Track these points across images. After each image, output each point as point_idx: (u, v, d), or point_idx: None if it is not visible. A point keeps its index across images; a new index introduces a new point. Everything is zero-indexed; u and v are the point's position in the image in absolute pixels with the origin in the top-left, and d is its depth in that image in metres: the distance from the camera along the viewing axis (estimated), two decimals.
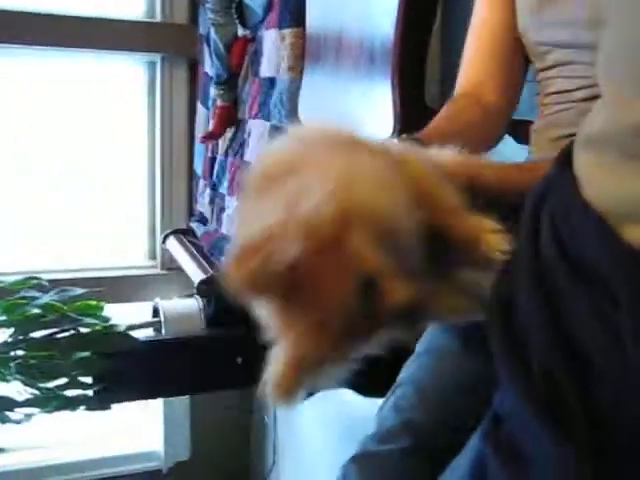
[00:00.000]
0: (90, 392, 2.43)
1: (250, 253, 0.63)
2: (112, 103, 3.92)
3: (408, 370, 1.18)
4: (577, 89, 1.11)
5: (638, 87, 0.55)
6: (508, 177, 0.94)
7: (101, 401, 2.48)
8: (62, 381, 2.37)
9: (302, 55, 2.47)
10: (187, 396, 3.71)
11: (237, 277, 0.64)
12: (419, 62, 1.95)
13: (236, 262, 0.64)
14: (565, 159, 0.64)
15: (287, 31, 2.54)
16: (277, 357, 0.69)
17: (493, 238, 0.73)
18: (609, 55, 0.61)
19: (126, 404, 2.91)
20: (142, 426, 4.09)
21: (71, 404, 2.38)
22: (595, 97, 0.89)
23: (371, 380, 1.59)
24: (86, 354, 2.40)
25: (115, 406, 2.62)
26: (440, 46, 2.27)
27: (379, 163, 0.73)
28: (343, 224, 0.65)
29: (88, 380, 2.44)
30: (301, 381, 0.68)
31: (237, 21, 3.01)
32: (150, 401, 3.60)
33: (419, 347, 1.20)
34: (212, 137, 3.32)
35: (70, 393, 2.38)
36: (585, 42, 1.06)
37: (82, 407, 2.40)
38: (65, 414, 2.44)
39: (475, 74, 1.23)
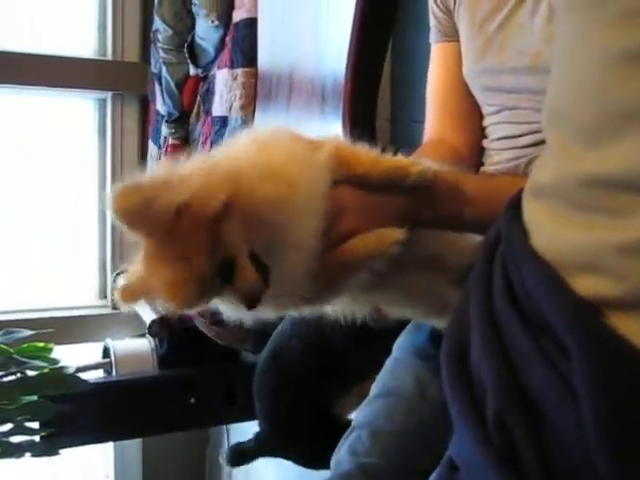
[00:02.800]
0: (37, 438, 2.36)
1: (138, 189, 0.70)
2: (63, 140, 3.88)
3: (362, 413, 1.18)
4: (522, 135, 1.12)
5: (583, 139, 0.56)
6: (488, 184, 0.97)
7: (49, 447, 2.40)
8: (7, 427, 2.29)
9: (254, 94, 2.49)
10: (139, 440, 3.62)
11: (116, 207, 0.70)
12: (370, 100, 1.97)
13: (122, 193, 0.70)
14: (515, 207, 0.65)
15: (239, 70, 2.56)
16: (135, 271, 0.78)
17: (415, 167, 0.84)
18: (554, 106, 0.62)
19: (76, 449, 2.82)
20: (92, 470, 3.97)
21: (16, 451, 2.30)
22: (540, 142, 0.92)
23: (313, 454, 1.60)
24: (33, 398, 2.33)
25: (64, 451, 2.54)
26: (390, 85, 2.31)
27: (295, 149, 0.83)
28: (226, 206, 0.72)
29: (35, 425, 2.36)
30: (144, 298, 0.78)
31: (189, 60, 3.02)
32: (101, 445, 3.51)
33: (373, 390, 1.20)
34: None
35: (15, 439, 2.30)
36: (527, 87, 1.08)
37: (28, 454, 2.32)
38: (10, 462, 2.35)
39: (438, 129, 1.25)
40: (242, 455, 1.79)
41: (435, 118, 1.26)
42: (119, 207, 0.70)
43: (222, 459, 1.82)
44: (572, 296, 0.54)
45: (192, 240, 0.72)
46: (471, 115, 1.24)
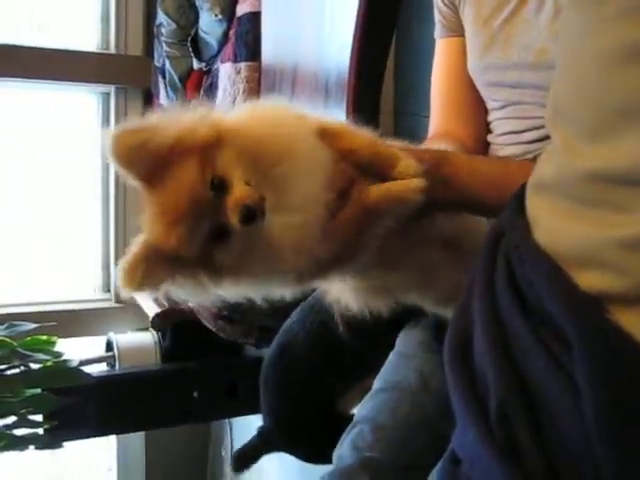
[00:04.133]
0: (40, 430, 2.37)
1: (134, 131, 0.75)
2: (66, 134, 3.88)
3: (365, 407, 1.18)
4: (526, 130, 1.13)
5: (586, 134, 0.56)
6: (484, 163, 0.98)
7: (52, 440, 2.41)
8: (10, 420, 2.30)
9: (258, 88, 2.48)
10: (142, 434, 3.63)
11: (115, 148, 0.74)
12: (374, 95, 1.97)
13: (119, 135, 0.74)
14: (519, 201, 0.65)
15: (242, 64, 2.56)
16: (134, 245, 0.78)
17: (405, 161, 0.83)
18: (557, 102, 0.62)
19: (78, 442, 2.83)
20: (95, 464, 3.99)
21: (20, 444, 2.31)
22: (544, 138, 0.91)
23: (316, 448, 1.60)
24: (36, 391, 2.34)
25: (67, 444, 2.55)
26: (394, 79, 2.31)
27: (292, 113, 0.84)
28: (217, 141, 0.76)
29: (38, 418, 2.37)
30: (147, 271, 0.75)
31: (192, 54, 3.01)
32: (103, 438, 3.52)
33: (376, 384, 1.20)
34: None
35: (19, 432, 2.31)
36: (532, 83, 1.08)
37: (31, 447, 2.32)
38: (13, 454, 2.36)
39: (443, 123, 1.25)
40: (247, 456, 1.80)
41: (440, 112, 1.26)
42: (117, 148, 0.73)
43: (224, 452, 1.83)
44: (574, 290, 0.54)
45: (186, 168, 0.75)
46: (476, 109, 1.25)
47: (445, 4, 1.24)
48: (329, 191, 0.80)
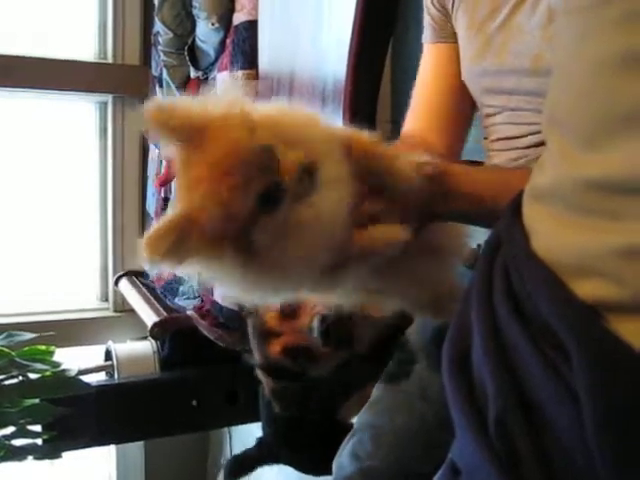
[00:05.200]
0: (39, 441, 2.36)
1: (168, 102, 0.74)
2: (63, 143, 3.88)
3: (365, 416, 1.18)
4: (523, 136, 1.12)
5: (583, 142, 0.56)
6: (483, 174, 0.98)
7: (51, 450, 2.41)
8: (9, 430, 2.29)
9: (254, 97, 2.49)
10: (141, 442, 3.62)
11: (154, 112, 0.72)
12: (370, 103, 1.98)
13: (155, 105, 0.73)
14: (515, 209, 0.65)
15: (239, 73, 2.56)
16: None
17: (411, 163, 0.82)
18: (553, 109, 0.62)
19: (77, 452, 2.83)
20: (94, 473, 3.97)
21: (19, 454, 2.30)
22: (541, 144, 0.91)
23: (316, 459, 1.60)
24: (35, 401, 2.33)
25: (66, 454, 2.54)
26: (390, 87, 2.31)
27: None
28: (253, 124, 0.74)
29: (37, 428, 2.37)
30: (175, 241, 0.69)
31: (189, 63, 3.02)
32: (102, 448, 3.51)
33: (375, 393, 1.20)
34: (168, 180, 3.31)
35: (18, 442, 2.31)
36: (528, 89, 1.08)
37: (30, 457, 2.32)
38: (12, 465, 2.36)
39: (419, 128, 1.24)
40: (244, 465, 1.79)
41: (419, 117, 1.25)
42: (155, 114, 0.72)
43: (222, 471, 1.82)
44: (572, 299, 0.54)
45: (232, 131, 0.72)
46: (456, 119, 1.24)
47: (437, 8, 1.24)
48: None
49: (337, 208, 0.77)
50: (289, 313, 1.27)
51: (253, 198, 0.71)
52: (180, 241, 0.69)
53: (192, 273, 0.77)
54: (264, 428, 1.68)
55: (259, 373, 1.32)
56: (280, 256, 0.75)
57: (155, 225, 0.70)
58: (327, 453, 1.22)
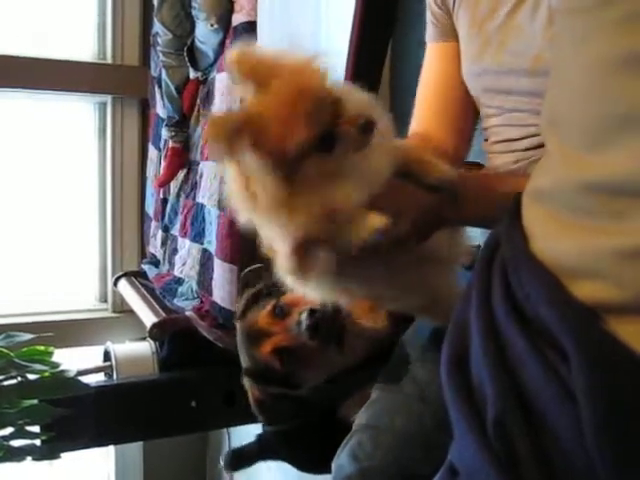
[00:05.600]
0: (38, 441, 2.36)
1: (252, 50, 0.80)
2: (62, 144, 3.88)
3: (364, 417, 1.18)
4: (522, 138, 1.12)
5: (582, 143, 0.56)
6: (493, 180, 0.99)
7: (49, 451, 2.40)
8: (8, 431, 2.29)
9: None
10: (140, 442, 3.62)
11: (235, 58, 0.78)
12: None
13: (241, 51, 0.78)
14: (515, 210, 0.65)
15: None
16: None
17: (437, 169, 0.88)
18: (553, 110, 0.62)
19: (76, 453, 2.82)
20: (93, 473, 3.97)
21: (17, 455, 2.30)
22: (539, 146, 0.91)
23: (315, 457, 1.60)
24: (33, 402, 2.33)
25: (65, 454, 2.54)
26: (389, 89, 2.31)
27: None
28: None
29: (35, 429, 2.36)
30: (235, 132, 0.75)
31: (189, 63, 3.02)
32: (101, 448, 3.51)
33: (374, 393, 1.20)
34: (166, 181, 3.30)
35: (16, 443, 2.30)
36: (527, 90, 1.08)
37: (29, 458, 2.31)
38: (11, 466, 2.35)
39: (426, 127, 1.24)
40: (242, 458, 1.79)
41: (424, 115, 1.25)
42: (237, 56, 0.78)
43: (221, 463, 1.81)
44: (571, 301, 0.54)
45: (305, 76, 0.79)
46: (460, 118, 1.24)
47: (439, 7, 1.23)
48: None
49: (383, 170, 0.84)
50: (280, 313, 1.28)
51: (313, 133, 0.76)
52: (239, 133, 0.75)
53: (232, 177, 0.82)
54: (265, 426, 1.68)
55: (245, 380, 1.32)
56: (315, 195, 0.80)
57: (228, 112, 0.77)
58: (327, 452, 1.22)
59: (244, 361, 1.34)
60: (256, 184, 0.79)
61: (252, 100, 0.79)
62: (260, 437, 1.71)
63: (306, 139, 0.76)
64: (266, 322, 1.29)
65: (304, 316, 1.23)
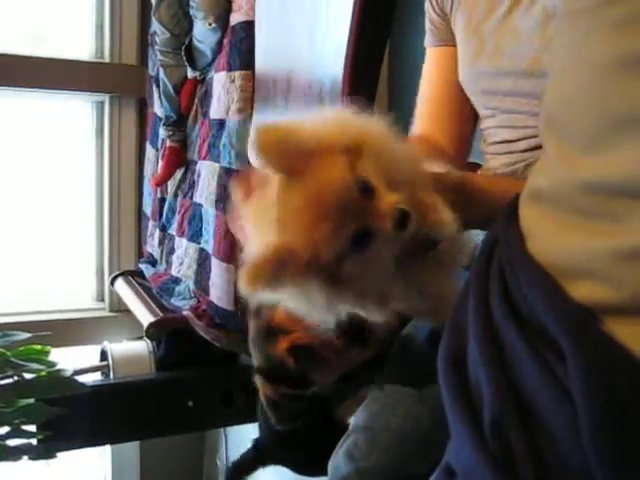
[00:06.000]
0: (34, 441, 2.35)
1: (278, 127, 0.74)
2: (60, 143, 3.88)
3: (360, 417, 1.18)
4: (519, 139, 1.12)
5: (581, 144, 0.56)
6: (497, 182, 0.98)
7: (46, 450, 2.40)
8: (4, 430, 2.28)
9: (252, 97, 2.49)
10: (137, 442, 3.62)
11: (260, 142, 0.72)
12: (368, 103, 1.98)
13: (265, 129, 0.73)
14: (512, 211, 0.65)
15: (237, 73, 2.56)
16: (263, 243, 0.74)
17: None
18: (551, 111, 0.62)
19: (73, 452, 2.82)
20: (89, 473, 3.97)
21: (13, 454, 2.30)
22: (537, 147, 0.91)
23: (313, 459, 1.60)
24: (30, 401, 2.33)
25: (61, 454, 2.53)
26: (387, 89, 2.31)
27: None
28: (359, 148, 0.75)
29: (32, 428, 2.36)
30: (274, 273, 0.72)
31: (186, 63, 3.02)
32: (98, 448, 3.51)
33: (370, 394, 1.20)
34: (163, 181, 3.30)
35: (12, 442, 2.30)
36: (525, 91, 1.08)
37: (25, 457, 2.31)
38: (7, 465, 2.35)
39: (426, 130, 1.24)
40: (243, 469, 1.79)
41: (425, 120, 1.26)
42: (262, 140, 0.72)
43: (219, 462, 1.81)
44: (568, 302, 0.54)
45: (333, 165, 0.73)
46: (460, 122, 1.25)
47: (436, 12, 1.24)
48: None
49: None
50: None
51: (344, 241, 0.73)
52: (277, 274, 0.72)
53: (277, 299, 0.81)
54: (261, 428, 1.68)
55: (256, 378, 1.29)
56: (365, 283, 0.79)
57: (255, 257, 0.72)
58: (324, 453, 1.21)
59: (256, 359, 1.31)
60: (310, 296, 0.77)
61: (276, 210, 0.74)
62: (256, 442, 1.71)
63: (339, 245, 0.73)
64: (283, 319, 1.25)
65: None
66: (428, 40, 1.29)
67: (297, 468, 1.79)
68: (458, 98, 1.23)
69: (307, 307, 0.81)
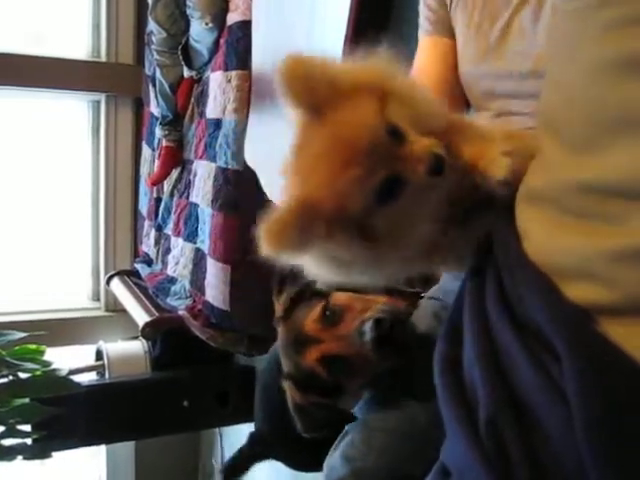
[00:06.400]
0: (29, 440, 2.35)
1: (307, 60, 0.68)
2: (56, 142, 3.87)
3: (358, 415, 1.17)
4: None
5: (577, 145, 0.56)
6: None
7: (41, 450, 2.39)
8: None
9: (248, 97, 2.48)
10: (132, 441, 3.61)
11: (288, 70, 0.67)
12: None
13: (296, 59, 0.67)
14: (508, 211, 0.65)
15: (233, 73, 2.56)
16: (282, 203, 0.66)
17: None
18: (547, 111, 0.62)
19: (67, 452, 2.82)
20: (84, 473, 3.96)
21: (8, 454, 2.29)
22: None
23: (311, 454, 1.58)
24: (25, 401, 2.32)
25: (56, 454, 2.53)
26: None
27: None
28: (387, 93, 0.69)
29: (27, 428, 2.36)
30: (298, 229, 0.64)
31: (183, 62, 3.01)
32: (93, 447, 3.50)
33: (367, 394, 1.19)
34: (160, 180, 3.30)
35: (7, 442, 2.29)
36: (530, 92, 1.07)
37: (20, 457, 2.31)
38: (1, 465, 2.35)
39: None
40: (239, 465, 1.78)
41: None
42: (290, 72, 0.67)
43: (215, 462, 1.79)
44: (564, 302, 0.54)
45: (362, 108, 0.67)
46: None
47: (436, 0, 1.21)
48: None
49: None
50: (332, 318, 1.16)
51: (372, 192, 0.66)
52: (302, 230, 0.64)
53: (303, 262, 0.73)
54: (259, 424, 1.66)
55: (285, 384, 1.22)
56: (401, 238, 0.72)
57: (275, 213, 0.64)
58: (325, 449, 1.20)
59: (286, 365, 1.24)
60: (342, 254, 0.70)
61: (299, 152, 0.69)
62: (252, 437, 1.70)
63: (367, 194, 0.65)
64: (314, 328, 1.16)
65: (369, 326, 1.10)
66: (423, 29, 1.25)
67: (295, 463, 1.78)
68: (450, 90, 1.21)
69: (340, 271, 0.74)
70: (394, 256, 0.74)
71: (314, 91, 0.67)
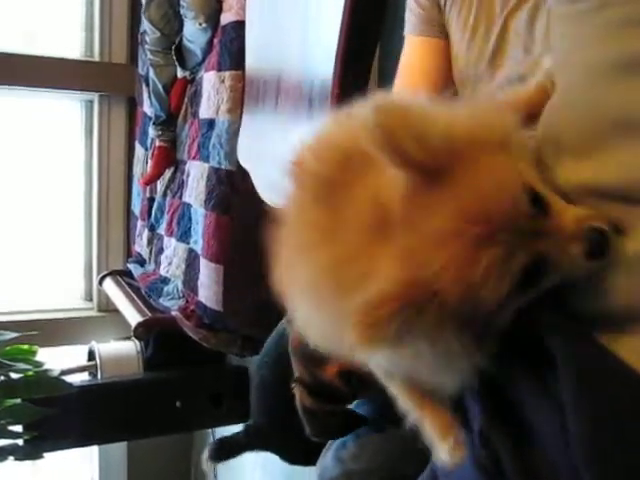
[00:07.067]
0: (20, 441, 2.34)
1: (405, 110, 0.54)
2: (49, 142, 3.86)
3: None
4: None
5: (576, 149, 0.55)
6: None
7: (32, 450, 2.39)
8: None
9: (241, 97, 2.48)
10: (124, 442, 3.60)
11: (379, 118, 0.51)
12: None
13: (388, 107, 0.53)
14: None
15: (227, 73, 2.55)
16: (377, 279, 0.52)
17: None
18: (546, 113, 0.62)
19: (59, 452, 2.81)
20: (77, 474, 3.95)
21: None
22: None
23: (307, 448, 1.57)
24: (16, 401, 2.31)
25: (48, 455, 2.52)
26: (378, 87, 2.31)
27: None
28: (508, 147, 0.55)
29: (18, 429, 2.35)
30: (402, 321, 0.50)
31: (176, 62, 3.01)
32: (85, 448, 3.49)
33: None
34: (153, 180, 3.29)
35: None
36: None
37: (11, 457, 2.30)
38: None
39: None
40: (229, 448, 1.76)
41: None
42: (396, 127, 0.51)
43: (204, 457, 1.76)
44: (560, 310, 0.54)
45: (489, 172, 0.52)
46: None
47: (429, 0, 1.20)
48: None
49: None
50: None
51: (513, 276, 0.51)
52: (406, 322, 0.50)
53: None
54: (256, 417, 1.65)
55: (295, 387, 1.18)
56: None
57: (374, 295, 0.50)
58: (319, 444, 1.19)
59: (298, 370, 1.20)
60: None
61: (408, 235, 0.52)
62: (248, 427, 1.69)
63: (498, 295, 0.51)
64: None
65: None
66: (412, 26, 1.23)
67: (291, 456, 1.77)
68: (443, 97, 1.21)
69: (431, 369, 0.59)
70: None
71: (431, 151, 0.52)
